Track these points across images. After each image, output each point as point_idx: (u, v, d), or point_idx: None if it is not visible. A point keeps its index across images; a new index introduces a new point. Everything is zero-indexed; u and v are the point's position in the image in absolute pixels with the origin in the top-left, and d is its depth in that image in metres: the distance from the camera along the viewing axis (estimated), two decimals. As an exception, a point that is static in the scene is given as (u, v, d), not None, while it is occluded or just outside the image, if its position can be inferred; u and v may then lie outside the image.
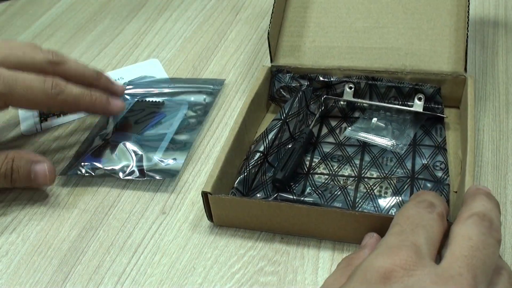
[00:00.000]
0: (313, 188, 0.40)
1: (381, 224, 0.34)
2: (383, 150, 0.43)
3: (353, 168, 0.42)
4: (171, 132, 0.48)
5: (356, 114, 0.47)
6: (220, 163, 0.39)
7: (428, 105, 0.45)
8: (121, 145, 0.46)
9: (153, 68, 0.58)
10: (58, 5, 0.73)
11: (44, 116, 0.53)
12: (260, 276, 0.36)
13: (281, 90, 0.48)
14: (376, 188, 0.39)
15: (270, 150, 0.42)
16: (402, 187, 0.39)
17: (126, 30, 0.66)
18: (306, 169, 0.43)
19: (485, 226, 0.28)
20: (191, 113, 0.50)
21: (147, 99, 0.52)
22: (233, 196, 0.38)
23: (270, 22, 0.47)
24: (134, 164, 0.44)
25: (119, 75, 0.58)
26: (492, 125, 0.46)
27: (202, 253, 0.38)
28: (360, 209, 0.38)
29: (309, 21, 0.50)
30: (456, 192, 0.39)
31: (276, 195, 0.39)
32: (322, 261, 0.36)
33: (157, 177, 0.43)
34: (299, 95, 0.46)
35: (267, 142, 0.42)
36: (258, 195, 0.40)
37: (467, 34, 0.44)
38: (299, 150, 0.42)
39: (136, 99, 0.53)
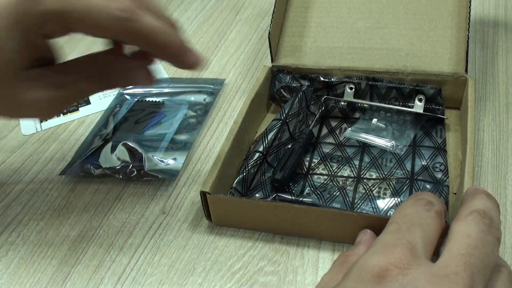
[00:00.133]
0: (312, 189, 0.40)
1: (379, 225, 0.34)
2: (383, 151, 0.43)
3: (352, 169, 0.42)
4: (171, 132, 0.48)
5: (357, 115, 0.47)
6: (220, 163, 0.39)
7: (429, 106, 0.45)
8: (121, 145, 0.46)
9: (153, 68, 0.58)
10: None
11: (44, 116, 0.53)
12: (260, 276, 0.36)
13: (281, 90, 0.48)
14: (375, 189, 0.39)
15: (269, 150, 0.42)
16: (401, 188, 0.39)
17: (127, 29, 0.66)
18: (306, 170, 0.43)
19: (485, 223, 0.27)
20: (191, 113, 0.51)
21: (147, 99, 0.53)
22: (231, 196, 0.38)
23: (271, 22, 0.47)
24: (134, 164, 0.44)
25: (119, 75, 0.58)
26: (492, 125, 0.46)
27: (202, 253, 0.38)
28: (358, 210, 0.38)
29: (310, 21, 0.50)
30: (455, 193, 0.39)
31: (275, 196, 0.39)
32: (322, 261, 0.36)
33: (157, 177, 0.43)
34: (299, 95, 0.46)
35: (266, 142, 0.42)
36: (257, 195, 0.40)
37: (468, 35, 0.44)
38: (298, 150, 0.42)
39: (136, 99, 0.53)
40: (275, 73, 0.49)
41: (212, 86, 0.54)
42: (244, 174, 0.40)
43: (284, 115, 0.44)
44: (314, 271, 0.36)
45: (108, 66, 0.35)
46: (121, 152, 0.45)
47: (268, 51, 0.49)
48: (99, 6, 0.31)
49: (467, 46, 0.44)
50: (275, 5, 0.48)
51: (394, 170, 0.41)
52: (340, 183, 0.40)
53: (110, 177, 0.44)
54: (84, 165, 0.45)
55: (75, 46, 0.63)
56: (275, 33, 0.49)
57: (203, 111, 0.51)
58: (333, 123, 0.47)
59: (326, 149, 0.44)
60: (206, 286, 0.35)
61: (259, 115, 0.48)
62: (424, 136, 0.44)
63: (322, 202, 0.38)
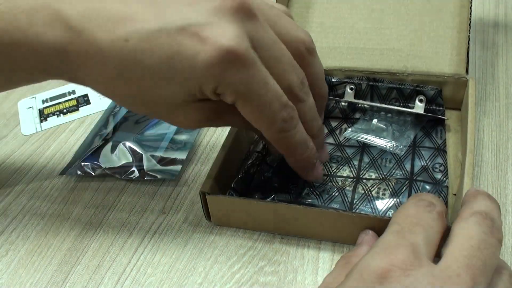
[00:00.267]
0: (311, 189, 0.40)
1: (378, 226, 0.34)
2: (383, 151, 0.43)
3: (352, 169, 0.42)
4: (171, 132, 0.48)
5: (357, 115, 0.47)
6: (219, 163, 0.39)
7: (429, 107, 0.45)
8: (121, 145, 0.46)
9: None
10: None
11: (44, 116, 0.53)
12: (260, 276, 0.36)
13: (281, 90, 0.48)
14: (374, 189, 0.39)
15: (269, 151, 0.42)
16: (400, 189, 0.39)
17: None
18: (306, 170, 0.43)
19: (487, 225, 0.27)
20: (192, 113, 0.50)
21: (148, 99, 0.52)
22: (230, 196, 0.38)
23: (271, 23, 0.47)
24: (134, 164, 0.44)
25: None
26: (492, 125, 0.46)
27: (202, 253, 0.38)
28: (357, 211, 0.38)
29: (311, 21, 0.50)
30: (455, 194, 0.39)
31: (274, 196, 0.39)
32: (322, 261, 0.36)
33: (157, 177, 0.43)
34: (299, 96, 0.46)
35: (266, 142, 0.42)
36: (256, 195, 0.40)
37: (468, 36, 0.44)
38: (299, 150, 0.42)
39: (136, 99, 0.53)
40: (276, 73, 0.49)
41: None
42: (243, 174, 0.40)
43: (284, 115, 0.44)
44: (314, 271, 0.36)
45: None
46: (121, 152, 0.45)
47: (269, 51, 0.49)
48: (269, 103, 0.29)
49: (468, 47, 0.44)
50: (275, 5, 0.48)
51: (393, 171, 0.41)
52: (339, 183, 0.40)
53: (110, 177, 0.44)
54: (84, 165, 0.45)
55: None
56: (275, 33, 0.49)
57: (203, 111, 0.51)
58: (333, 124, 0.47)
59: (326, 150, 0.44)
60: (206, 286, 0.35)
61: (259, 115, 0.48)
62: (424, 137, 0.44)
63: (320, 203, 0.38)
